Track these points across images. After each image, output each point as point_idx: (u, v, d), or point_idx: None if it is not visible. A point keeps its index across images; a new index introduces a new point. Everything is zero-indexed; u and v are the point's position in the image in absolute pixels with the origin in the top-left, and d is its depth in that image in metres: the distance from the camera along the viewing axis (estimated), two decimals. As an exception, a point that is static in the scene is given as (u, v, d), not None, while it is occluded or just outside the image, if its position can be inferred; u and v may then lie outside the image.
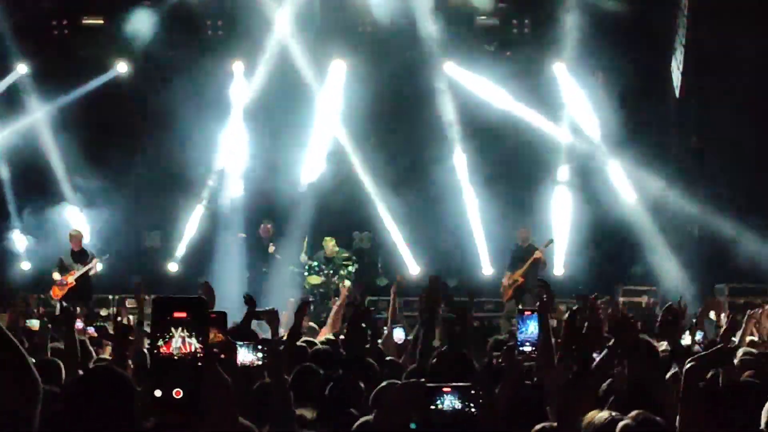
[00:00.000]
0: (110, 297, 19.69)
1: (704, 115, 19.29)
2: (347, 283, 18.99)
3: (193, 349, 3.13)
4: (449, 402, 4.34)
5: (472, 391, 4.39)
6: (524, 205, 19.87)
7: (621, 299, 19.24)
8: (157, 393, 3.11)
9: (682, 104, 19.55)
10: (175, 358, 3.13)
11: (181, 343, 3.12)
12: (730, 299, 17.51)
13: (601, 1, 18.98)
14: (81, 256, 18.31)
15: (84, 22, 20.52)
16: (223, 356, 4.63)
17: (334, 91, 20.58)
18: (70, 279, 18.07)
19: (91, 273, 18.26)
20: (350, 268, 19.45)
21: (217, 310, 4.93)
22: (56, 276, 18.15)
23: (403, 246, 20.50)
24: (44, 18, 20.24)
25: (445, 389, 4.36)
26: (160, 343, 3.13)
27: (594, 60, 19.61)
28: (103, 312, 19.02)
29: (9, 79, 20.35)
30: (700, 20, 18.31)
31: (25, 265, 20.08)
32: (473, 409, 4.34)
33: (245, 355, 5.67)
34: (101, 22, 20.50)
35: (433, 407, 4.29)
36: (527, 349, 6.44)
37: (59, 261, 18.30)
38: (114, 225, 19.99)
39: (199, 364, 3.12)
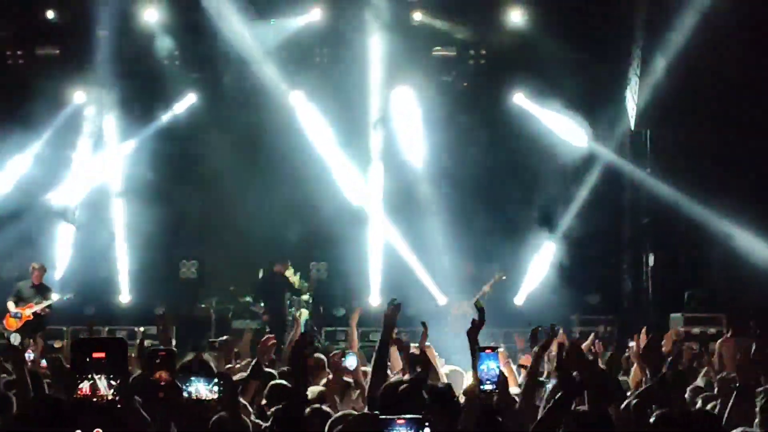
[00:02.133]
0: (63, 329, 19.45)
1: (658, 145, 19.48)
2: (304, 312, 18.90)
3: (108, 392, 3.11)
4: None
5: (426, 423, 4.37)
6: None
7: (578, 329, 19.31)
8: None
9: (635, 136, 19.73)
10: (93, 400, 3.11)
11: (93, 386, 3.10)
12: (685, 328, 17.56)
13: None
14: (40, 289, 18.11)
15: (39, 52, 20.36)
16: (165, 396, 4.61)
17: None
18: (28, 312, 17.84)
19: (48, 310, 18.07)
20: (304, 297, 19.32)
21: (167, 348, 4.92)
22: (11, 306, 17.89)
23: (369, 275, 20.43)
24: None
25: (398, 420, 4.33)
26: (81, 385, 3.11)
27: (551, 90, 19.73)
28: (57, 344, 18.78)
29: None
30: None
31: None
32: None
33: (201, 390, 5.59)
34: (57, 52, 20.37)
35: None
36: (488, 387, 6.33)
37: (17, 291, 18.06)
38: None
39: (117, 405, 3.11)
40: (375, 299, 20.50)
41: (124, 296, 20.55)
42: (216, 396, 5.58)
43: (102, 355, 3.15)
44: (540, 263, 20.00)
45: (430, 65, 20.44)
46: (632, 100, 19.02)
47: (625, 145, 20.07)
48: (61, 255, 20.41)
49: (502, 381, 6.31)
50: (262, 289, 19.12)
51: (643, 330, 9.75)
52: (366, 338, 19.99)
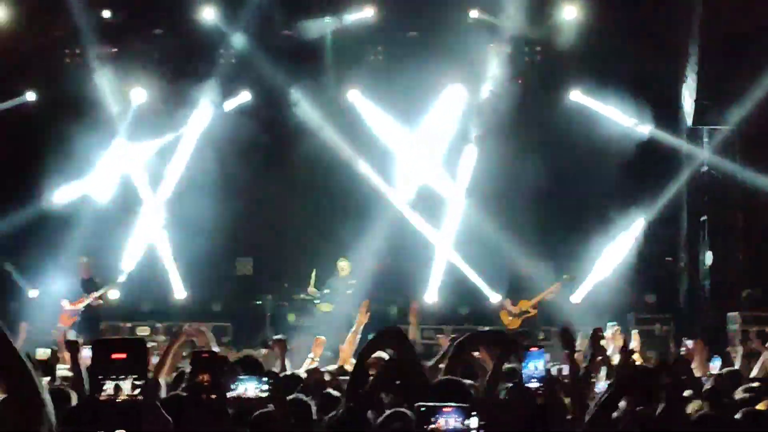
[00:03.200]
0: (120, 324, 19.66)
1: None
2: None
3: (129, 393, 3.12)
4: (448, 421, 4.31)
5: (473, 412, 4.37)
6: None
7: (634, 328, 19.17)
8: None
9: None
10: (117, 401, 3.13)
11: (116, 387, 3.11)
12: (742, 327, 17.34)
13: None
14: (89, 284, 18.33)
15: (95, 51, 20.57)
16: (209, 397, 4.65)
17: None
18: (80, 306, 18.08)
19: (100, 301, 18.27)
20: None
21: (209, 350, 4.97)
22: (64, 303, 18.14)
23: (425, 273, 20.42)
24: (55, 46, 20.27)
25: (445, 409, 4.34)
26: (105, 386, 3.13)
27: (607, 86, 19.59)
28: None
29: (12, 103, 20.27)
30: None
31: (33, 293, 20.01)
32: (472, 429, 4.32)
33: (250, 388, 5.61)
34: (113, 50, 20.57)
35: (431, 426, 4.27)
36: (533, 385, 6.33)
37: (68, 287, 18.30)
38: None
39: (140, 406, 3.12)
40: (432, 296, 20.51)
41: (180, 292, 20.69)
42: (265, 395, 5.60)
43: (123, 355, 3.16)
44: (608, 261, 19.81)
45: (485, 62, 20.36)
46: (689, 97, 18.81)
47: (683, 141, 19.83)
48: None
49: (548, 379, 6.30)
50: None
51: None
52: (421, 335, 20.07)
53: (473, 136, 20.19)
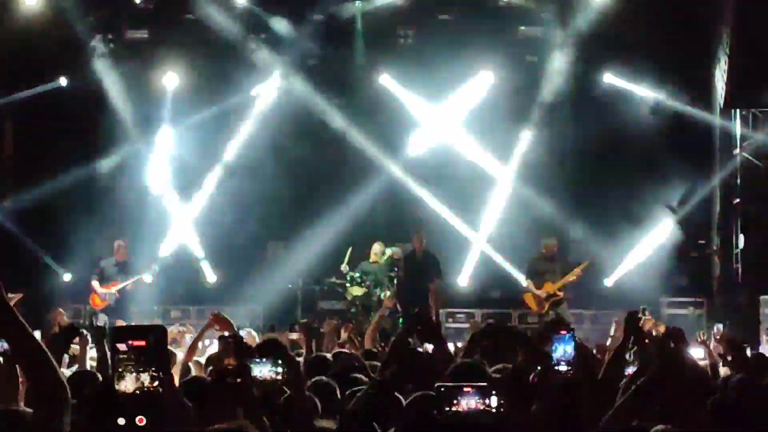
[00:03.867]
0: (155, 308, 19.78)
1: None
2: (388, 294, 18.77)
3: (149, 383, 3.16)
4: (468, 401, 4.33)
5: (492, 392, 4.40)
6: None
7: (666, 311, 19.13)
8: (121, 421, 3.15)
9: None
10: (137, 393, 3.16)
11: (134, 378, 3.15)
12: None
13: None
14: (124, 267, 18.43)
15: (128, 36, 20.66)
16: (232, 382, 4.71)
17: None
18: (114, 290, 18.17)
19: (133, 284, 18.38)
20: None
21: (232, 335, 5.02)
22: (96, 285, 18.23)
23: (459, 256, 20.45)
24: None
25: (465, 389, 4.36)
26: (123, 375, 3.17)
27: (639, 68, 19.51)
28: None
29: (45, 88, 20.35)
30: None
31: (66, 277, 20.19)
32: (492, 409, 4.34)
33: (265, 371, 5.65)
34: (146, 35, 20.66)
35: (452, 407, 4.29)
36: (563, 368, 6.32)
37: (100, 269, 18.41)
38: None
39: (160, 394, 3.15)
40: (464, 280, 20.55)
41: (210, 276, 20.80)
42: (280, 377, 5.63)
43: (142, 343, 3.19)
44: (644, 247, 19.76)
45: (515, 45, 20.31)
46: (721, 79, 18.66)
47: (715, 124, 19.70)
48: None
49: (577, 363, 6.31)
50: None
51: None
52: (450, 319, 20.13)
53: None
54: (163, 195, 20.82)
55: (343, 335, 11.19)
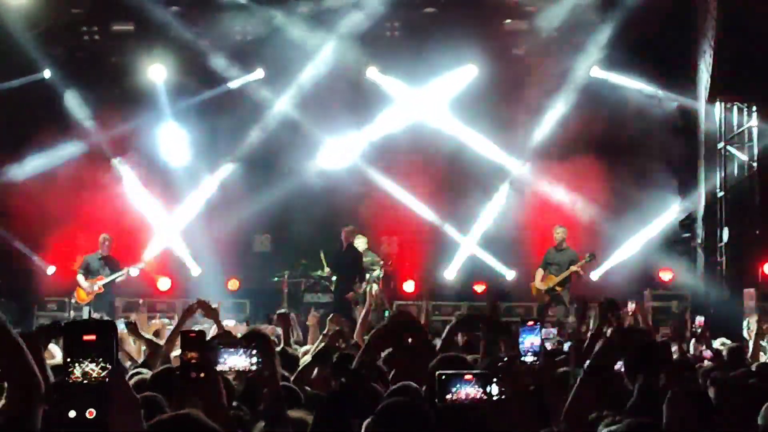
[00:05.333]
0: (140, 301, 19.77)
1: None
2: (374, 288, 18.86)
3: (97, 374, 3.23)
4: (468, 390, 4.34)
5: (494, 379, 4.41)
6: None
7: (650, 304, 19.13)
8: (71, 414, 3.22)
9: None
10: (85, 383, 3.22)
11: (84, 369, 3.22)
12: (760, 304, 17.25)
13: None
14: (108, 261, 18.44)
15: (114, 28, 20.60)
16: (198, 374, 4.73)
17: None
18: (99, 284, 18.18)
19: (118, 281, 18.41)
20: (376, 273, 19.31)
21: (195, 329, 5.06)
22: (81, 280, 18.24)
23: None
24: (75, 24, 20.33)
25: (466, 377, 4.37)
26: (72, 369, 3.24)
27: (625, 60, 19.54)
28: (132, 317, 19.11)
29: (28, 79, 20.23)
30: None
31: (50, 270, 20.18)
32: (494, 397, 4.35)
33: (240, 361, 5.64)
34: (131, 28, 20.60)
35: (450, 395, 4.30)
36: (529, 359, 6.39)
37: (85, 264, 18.42)
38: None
39: (108, 387, 3.22)
40: (450, 274, 20.59)
41: (195, 269, 20.79)
42: (253, 368, 5.62)
43: (93, 337, 3.25)
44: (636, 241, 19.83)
45: (500, 38, 20.30)
46: (706, 71, 18.69)
47: (698, 118, 19.74)
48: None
49: (543, 354, 6.35)
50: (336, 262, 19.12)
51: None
52: (437, 311, 20.16)
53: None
54: (148, 187, 20.75)
55: (330, 327, 11.18)
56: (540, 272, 18.74)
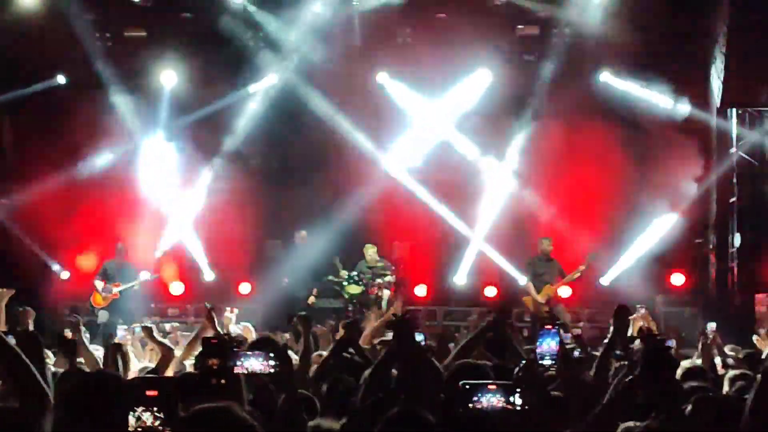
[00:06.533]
0: (152, 305, 19.86)
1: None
2: (386, 293, 19.03)
3: None
4: (491, 399, 4.36)
5: (517, 389, 4.44)
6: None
7: (662, 310, 19.14)
8: None
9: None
10: None
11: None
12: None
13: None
14: (124, 268, 18.61)
15: (126, 34, 20.67)
16: (218, 380, 4.81)
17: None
18: (115, 290, 18.33)
19: (136, 288, 18.55)
20: (387, 278, 19.35)
21: (215, 336, 5.12)
22: (98, 284, 18.38)
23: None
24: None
25: (490, 386, 4.40)
26: None
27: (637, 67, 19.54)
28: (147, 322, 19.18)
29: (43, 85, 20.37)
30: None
31: (64, 275, 20.27)
32: (517, 407, 4.38)
33: (255, 364, 5.69)
34: (143, 34, 20.66)
35: (474, 404, 4.32)
36: (547, 362, 6.42)
37: (103, 269, 18.58)
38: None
39: None
40: (461, 279, 20.60)
41: (208, 274, 20.84)
42: (270, 371, 5.66)
43: None
44: (640, 245, 19.80)
45: (513, 44, 20.30)
46: (717, 78, 18.70)
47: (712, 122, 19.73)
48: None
49: (562, 357, 6.38)
50: None
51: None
52: (449, 317, 20.22)
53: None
54: (161, 193, 20.80)
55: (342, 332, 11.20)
56: (530, 284, 18.68)
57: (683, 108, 19.54)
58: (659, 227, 19.60)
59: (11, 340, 4.40)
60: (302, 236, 19.68)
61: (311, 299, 19.20)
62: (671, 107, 19.55)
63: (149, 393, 3.54)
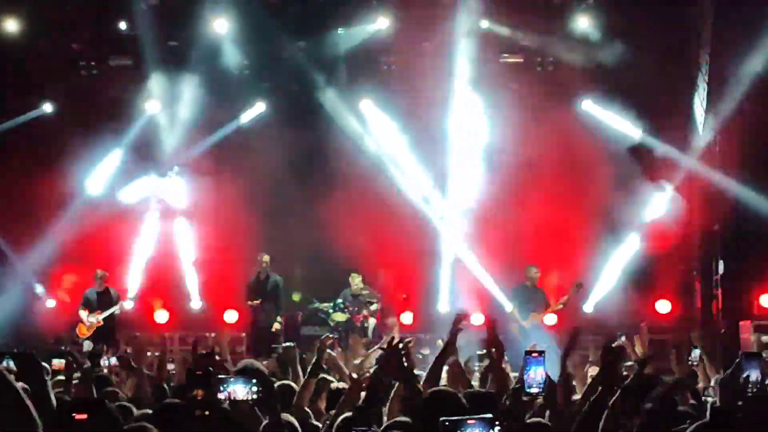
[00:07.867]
0: (137, 334, 19.77)
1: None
2: (372, 322, 19.10)
3: None
4: None
5: (496, 422, 4.46)
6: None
7: (647, 336, 19.08)
8: None
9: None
10: None
11: None
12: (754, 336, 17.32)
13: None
14: (105, 296, 18.59)
15: (111, 62, 20.69)
16: (203, 413, 4.81)
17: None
18: (99, 318, 18.39)
19: (117, 313, 18.59)
20: (374, 306, 19.38)
21: (205, 366, 5.13)
22: (83, 314, 18.41)
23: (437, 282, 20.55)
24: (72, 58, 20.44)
25: (469, 421, 4.43)
26: None
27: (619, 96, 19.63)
28: (129, 350, 19.16)
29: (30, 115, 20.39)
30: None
31: (50, 303, 20.24)
32: None
33: (239, 390, 5.70)
34: (129, 62, 20.69)
35: None
36: (534, 391, 6.43)
37: (85, 299, 18.57)
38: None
39: None
40: (443, 306, 20.56)
41: (195, 302, 20.80)
42: (254, 396, 5.67)
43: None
44: (616, 267, 19.82)
45: (497, 73, 20.38)
46: (700, 106, 18.82)
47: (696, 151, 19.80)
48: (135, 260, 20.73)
49: (548, 385, 6.40)
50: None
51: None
52: (434, 344, 20.16)
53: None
54: (148, 219, 20.78)
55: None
56: (515, 310, 18.68)
57: (665, 135, 19.62)
58: (643, 254, 19.63)
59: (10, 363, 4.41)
60: (265, 260, 19.56)
61: (276, 326, 19.14)
62: (653, 136, 19.61)
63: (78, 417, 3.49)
